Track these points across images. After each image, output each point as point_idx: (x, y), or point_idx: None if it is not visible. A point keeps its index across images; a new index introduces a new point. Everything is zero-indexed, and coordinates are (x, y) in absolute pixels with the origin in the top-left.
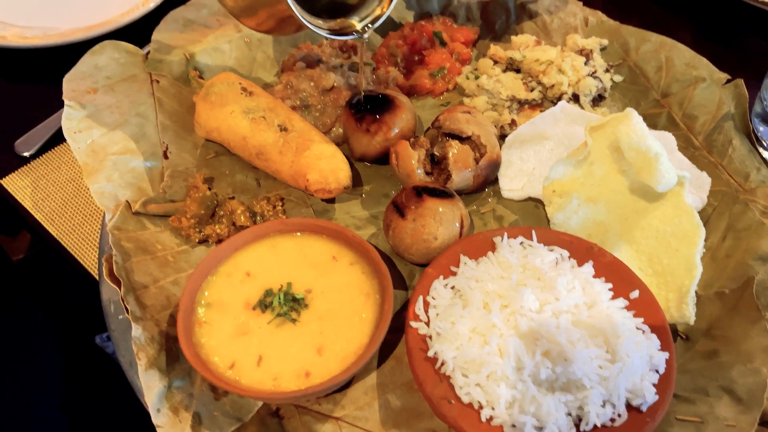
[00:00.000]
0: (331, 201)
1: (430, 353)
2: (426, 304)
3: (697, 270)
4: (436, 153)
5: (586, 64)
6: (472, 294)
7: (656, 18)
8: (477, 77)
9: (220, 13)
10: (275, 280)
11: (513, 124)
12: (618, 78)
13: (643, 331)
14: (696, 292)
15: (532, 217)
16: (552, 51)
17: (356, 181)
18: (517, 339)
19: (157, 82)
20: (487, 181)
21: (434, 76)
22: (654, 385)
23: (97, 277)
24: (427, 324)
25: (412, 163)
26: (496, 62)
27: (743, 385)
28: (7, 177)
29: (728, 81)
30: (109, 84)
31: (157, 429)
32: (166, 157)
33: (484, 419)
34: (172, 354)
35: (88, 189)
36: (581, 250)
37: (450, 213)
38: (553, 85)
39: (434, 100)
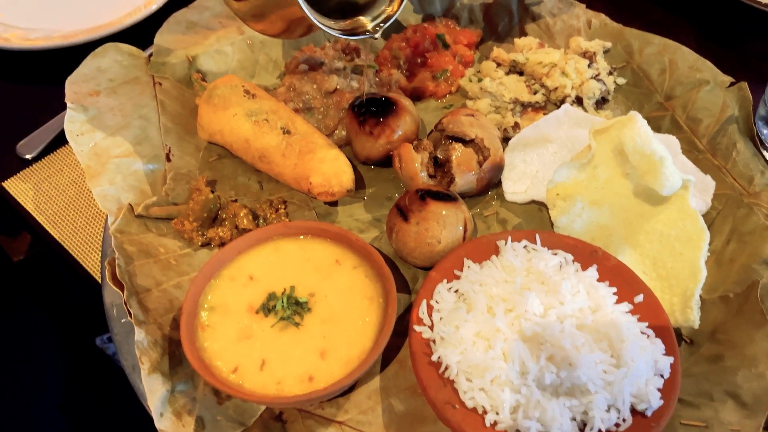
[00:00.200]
0: (334, 204)
1: (434, 357)
2: (430, 308)
3: (701, 274)
4: (439, 156)
5: (589, 66)
6: (476, 298)
7: (659, 20)
8: (480, 80)
9: (223, 15)
10: (278, 283)
11: (516, 126)
12: (621, 80)
13: (648, 336)
14: (700, 296)
15: (535, 221)
16: (555, 53)
17: (359, 183)
18: (522, 343)
19: (160, 84)
20: (491, 184)
21: (437, 78)
22: (659, 389)
23: (99, 280)
24: (431, 328)
25: (416, 166)
26: (499, 65)
27: (748, 390)
28: (9, 179)
29: (732, 84)
30: (111, 86)
31: None
32: (168, 159)
33: (488, 424)
34: (175, 358)
35: (90, 192)
36: (585, 254)
37: (453, 216)
38: (556, 88)
39: (437, 102)
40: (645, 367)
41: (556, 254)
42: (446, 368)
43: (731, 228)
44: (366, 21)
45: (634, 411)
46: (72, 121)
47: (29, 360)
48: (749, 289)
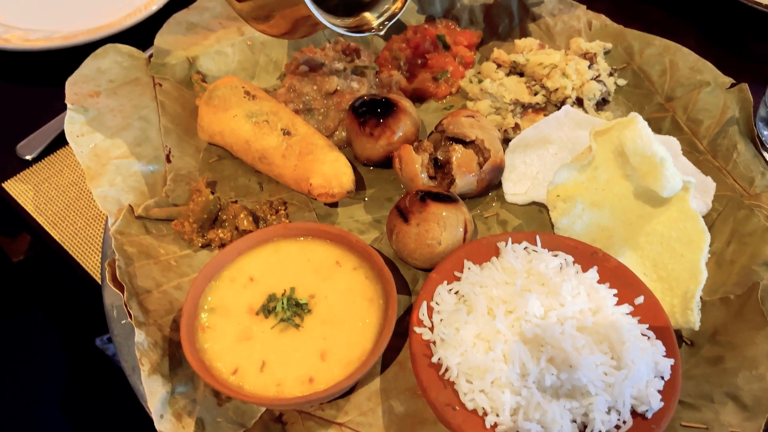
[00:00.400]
0: (334, 205)
1: (434, 359)
2: (430, 310)
3: (702, 275)
4: (439, 157)
5: (589, 67)
6: (476, 299)
7: (660, 21)
8: (480, 81)
9: (223, 16)
10: (278, 285)
11: (517, 128)
12: (622, 82)
13: (648, 337)
14: (701, 298)
15: (535, 222)
16: (555, 54)
17: (359, 185)
18: (522, 345)
19: (160, 85)
20: (491, 185)
21: (437, 79)
22: (659, 391)
23: (99, 281)
24: (431, 329)
25: (416, 167)
26: (499, 66)
27: (748, 392)
28: (9, 180)
29: (733, 85)
30: (111, 87)
31: None
32: (168, 160)
33: (488, 426)
34: (175, 359)
35: (90, 193)
36: (586, 256)
37: (453, 217)
38: (556, 89)
39: (437, 103)
40: (645, 369)
41: (556, 256)
42: (446, 370)
43: (732, 229)
44: (371, 18)
45: (634, 413)
46: (72, 122)
47: (29, 360)
48: (750, 290)
